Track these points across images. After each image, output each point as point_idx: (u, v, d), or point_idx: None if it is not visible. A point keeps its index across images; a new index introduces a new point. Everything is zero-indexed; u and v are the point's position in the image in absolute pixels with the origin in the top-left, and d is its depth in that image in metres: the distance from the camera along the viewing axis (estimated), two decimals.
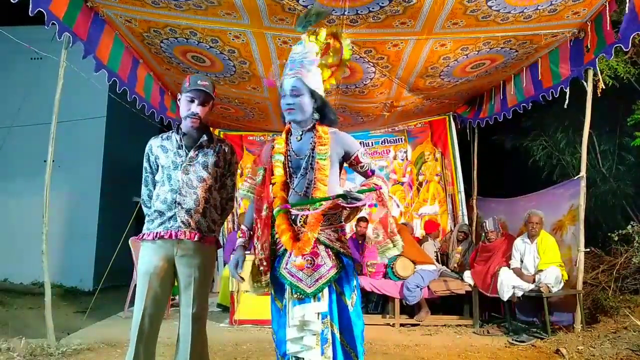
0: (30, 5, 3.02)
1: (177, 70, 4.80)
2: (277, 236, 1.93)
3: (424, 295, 4.89)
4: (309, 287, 1.84)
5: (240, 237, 2.07)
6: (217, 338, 4.10)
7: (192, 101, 2.25)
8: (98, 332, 4.28)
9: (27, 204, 7.35)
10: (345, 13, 3.53)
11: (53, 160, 3.71)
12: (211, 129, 2.43)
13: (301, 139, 2.00)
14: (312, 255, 1.87)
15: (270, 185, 1.97)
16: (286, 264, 1.91)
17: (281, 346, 1.94)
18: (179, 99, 2.31)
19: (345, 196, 1.79)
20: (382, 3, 3.43)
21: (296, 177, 1.96)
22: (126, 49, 4.21)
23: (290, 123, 2.02)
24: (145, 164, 2.34)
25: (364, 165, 2.05)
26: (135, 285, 2.26)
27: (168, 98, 5.45)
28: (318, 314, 1.82)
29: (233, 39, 4.03)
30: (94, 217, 8.46)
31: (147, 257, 2.21)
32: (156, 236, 2.20)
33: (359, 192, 1.82)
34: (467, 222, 6.11)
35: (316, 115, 2.00)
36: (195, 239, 2.20)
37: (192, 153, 2.27)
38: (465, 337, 4.39)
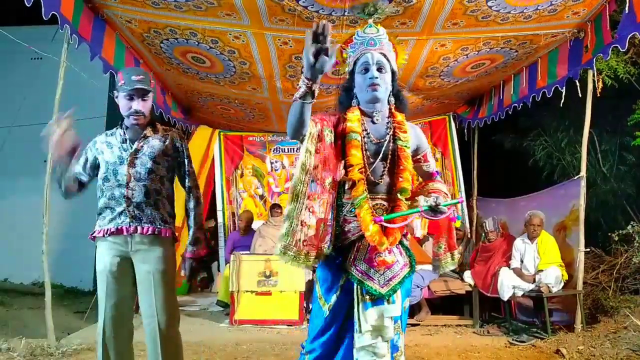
0: (43, 8, 3.03)
1: (177, 71, 4.80)
2: (346, 227, 1.71)
3: (424, 295, 4.89)
4: (382, 287, 1.64)
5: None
6: (217, 338, 4.10)
7: (131, 99, 2.16)
8: None
9: (27, 204, 7.34)
10: (346, 14, 3.53)
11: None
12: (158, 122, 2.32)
13: (378, 122, 1.80)
14: (387, 252, 1.67)
15: (342, 166, 1.74)
16: (354, 260, 1.68)
17: (315, 351, 1.72)
18: (116, 96, 2.22)
19: (434, 209, 1.63)
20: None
21: (374, 163, 1.74)
22: (127, 50, 4.21)
23: (358, 105, 1.82)
24: (82, 157, 2.24)
25: (429, 165, 1.93)
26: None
27: (169, 98, 5.46)
28: (391, 318, 1.64)
29: (233, 40, 4.03)
30: (94, 217, 8.45)
31: (100, 256, 2.14)
32: (107, 232, 2.12)
33: (445, 204, 1.65)
34: (465, 221, 6.12)
35: (392, 99, 1.85)
36: (149, 232, 2.11)
37: (136, 145, 2.18)
38: (466, 337, 4.39)
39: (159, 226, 2.15)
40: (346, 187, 1.73)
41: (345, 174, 1.74)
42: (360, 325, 1.61)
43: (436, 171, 1.95)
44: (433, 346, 4.02)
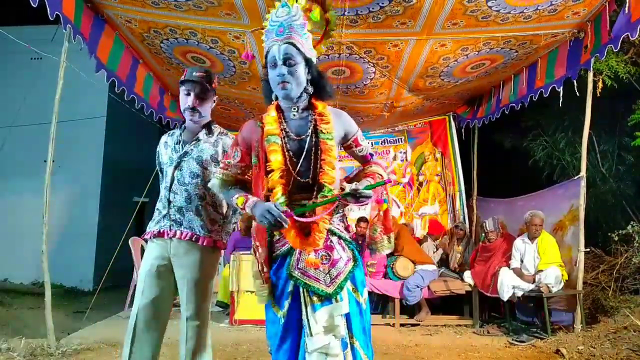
0: (48, 9, 3.04)
1: (177, 71, 4.80)
2: (277, 234, 1.67)
3: (424, 295, 4.89)
4: (328, 286, 1.59)
5: (243, 200, 1.66)
6: (217, 338, 4.10)
7: (188, 94, 2.12)
8: (98, 332, 4.28)
9: (27, 204, 7.35)
10: (345, 13, 3.53)
11: (53, 160, 3.71)
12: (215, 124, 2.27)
13: (296, 117, 1.70)
14: (327, 249, 1.63)
15: (265, 174, 1.65)
16: (297, 263, 1.62)
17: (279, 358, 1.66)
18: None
19: (354, 195, 1.56)
20: (382, 3, 3.43)
21: (299, 162, 1.66)
22: (126, 49, 4.21)
23: (278, 100, 1.73)
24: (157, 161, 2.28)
25: (362, 149, 1.83)
26: (136, 285, 2.21)
27: (168, 98, 5.46)
28: (342, 315, 1.59)
29: (233, 40, 4.03)
30: (94, 217, 8.46)
31: (146, 256, 2.15)
32: (151, 235, 2.13)
33: (368, 187, 1.60)
34: (465, 221, 6.12)
35: (310, 89, 1.71)
36: (187, 238, 2.07)
37: (187, 147, 2.15)
38: (465, 337, 4.39)
39: (197, 233, 2.10)
40: (267, 192, 1.66)
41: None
42: (310, 328, 1.55)
43: (370, 154, 1.86)
44: (433, 346, 4.02)
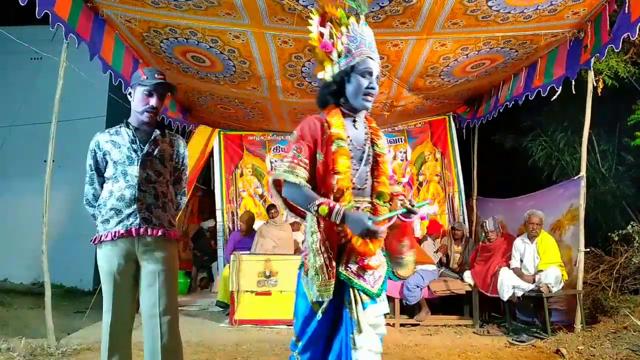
0: (37, 7, 3.02)
1: (177, 71, 4.80)
2: (343, 234, 1.70)
3: (424, 295, 4.89)
4: (372, 287, 1.70)
5: (327, 210, 1.62)
6: (217, 338, 4.10)
7: (150, 95, 2.17)
8: (98, 332, 4.20)
9: (27, 204, 7.34)
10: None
11: (53, 160, 3.71)
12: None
13: (358, 128, 1.81)
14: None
15: (335, 176, 1.69)
16: (347, 264, 1.69)
17: (306, 353, 1.74)
18: (129, 92, 2.22)
19: (413, 212, 1.71)
20: (382, 3, 3.43)
21: (359, 169, 1.76)
22: (126, 49, 4.21)
23: (340, 106, 1.80)
24: (90, 161, 2.24)
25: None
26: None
27: (168, 98, 5.45)
28: (383, 315, 1.73)
29: (233, 39, 4.03)
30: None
31: (107, 258, 2.12)
32: (115, 235, 2.10)
33: (418, 205, 1.74)
34: (464, 221, 6.12)
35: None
36: (159, 234, 2.13)
37: (148, 147, 2.19)
38: (465, 337, 4.39)
39: (167, 228, 2.18)
40: (335, 194, 1.71)
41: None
42: (360, 325, 1.63)
43: (391, 175, 1.94)
44: (433, 346, 4.02)
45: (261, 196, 7.02)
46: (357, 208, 1.72)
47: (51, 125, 3.68)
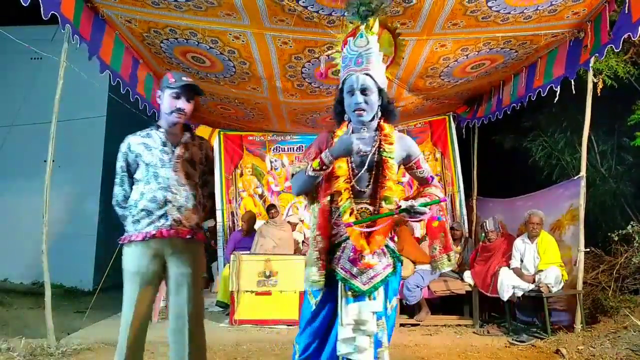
0: (42, 9, 3.03)
1: (177, 71, 4.79)
2: (341, 232, 1.85)
3: (424, 295, 4.89)
4: (364, 285, 1.76)
5: (318, 161, 1.80)
6: (217, 338, 4.10)
7: (177, 97, 2.22)
8: (98, 332, 4.29)
9: (27, 204, 7.33)
10: (346, 14, 3.53)
11: (53, 160, 3.71)
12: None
13: (365, 136, 1.88)
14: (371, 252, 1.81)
15: (333, 179, 1.86)
16: (339, 260, 1.82)
17: (302, 342, 1.86)
18: (159, 96, 2.26)
19: (409, 210, 1.75)
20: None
21: (359, 174, 1.87)
22: (126, 49, 4.21)
23: (349, 120, 1.93)
24: (121, 163, 2.28)
25: (423, 171, 2.01)
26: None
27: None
28: (373, 313, 1.75)
29: (233, 40, 4.03)
30: (94, 217, 8.45)
31: (135, 258, 2.16)
32: (146, 236, 2.14)
33: (422, 204, 1.76)
34: (464, 221, 6.11)
35: (380, 113, 1.93)
36: (188, 236, 2.18)
37: (178, 150, 2.25)
38: (465, 337, 4.39)
39: (195, 230, 2.23)
40: (334, 196, 1.87)
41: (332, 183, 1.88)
42: (342, 319, 1.73)
43: (431, 176, 2.03)
44: (433, 346, 4.02)
45: (261, 196, 7.02)
46: (352, 210, 1.82)
47: (51, 125, 3.68)
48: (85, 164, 8.37)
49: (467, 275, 4.93)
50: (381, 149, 1.89)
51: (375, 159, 1.88)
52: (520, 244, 4.61)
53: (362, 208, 1.85)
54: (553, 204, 4.83)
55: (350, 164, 1.88)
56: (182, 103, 2.23)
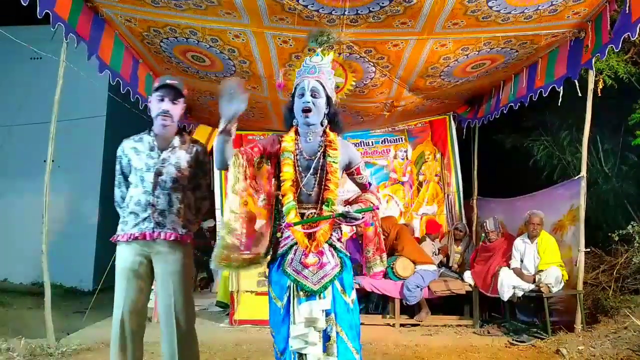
0: (38, 8, 3.02)
1: (177, 70, 4.79)
2: (284, 234, 1.99)
3: (424, 295, 4.89)
4: (315, 285, 1.90)
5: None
6: (217, 338, 4.10)
7: (162, 99, 2.24)
8: (98, 332, 4.28)
9: (27, 204, 7.34)
10: (346, 13, 3.52)
11: (53, 160, 3.71)
12: (185, 132, 2.44)
13: (311, 140, 2.06)
14: (318, 254, 1.95)
15: (277, 182, 2.04)
16: (291, 262, 1.94)
17: (280, 344, 1.97)
18: (150, 101, 2.29)
19: (344, 215, 1.91)
20: (383, 3, 3.42)
21: (305, 177, 2.01)
22: (126, 49, 4.20)
23: (297, 125, 2.08)
24: (117, 166, 2.36)
25: (362, 177, 2.18)
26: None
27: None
28: (323, 311, 1.88)
29: (233, 39, 4.02)
30: (94, 217, 8.45)
31: (123, 256, 2.24)
32: (130, 237, 2.21)
33: (357, 211, 1.94)
34: (463, 221, 6.11)
35: (325, 121, 2.08)
36: (172, 238, 2.21)
37: (164, 155, 2.27)
38: (466, 337, 4.39)
39: (180, 232, 2.25)
40: (280, 199, 2.00)
41: (279, 187, 2.02)
42: (294, 317, 1.86)
43: (369, 182, 2.21)
44: (433, 346, 4.02)
45: None
46: (303, 215, 1.97)
47: (51, 125, 3.68)
48: (85, 164, 8.37)
49: (467, 275, 4.93)
50: (326, 154, 2.03)
51: (321, 163, 2.03)
52: (521, 244, 4.61)
53: (310, 214, 1.98)
54: (554, 204, 4.82)
55: (297, 168, 2.02)
56: (166, 104, 2.25)
